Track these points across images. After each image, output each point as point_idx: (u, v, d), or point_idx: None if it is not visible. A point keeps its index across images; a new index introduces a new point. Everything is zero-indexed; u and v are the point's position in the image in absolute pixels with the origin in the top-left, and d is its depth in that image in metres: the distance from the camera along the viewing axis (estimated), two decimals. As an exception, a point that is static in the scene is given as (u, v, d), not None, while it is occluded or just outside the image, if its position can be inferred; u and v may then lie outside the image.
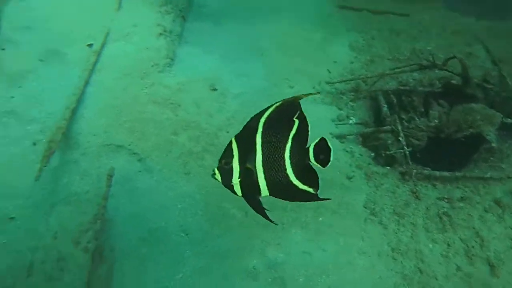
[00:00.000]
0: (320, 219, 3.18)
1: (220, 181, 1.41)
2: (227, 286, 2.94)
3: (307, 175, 1.39)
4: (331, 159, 1.36)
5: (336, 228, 3.16)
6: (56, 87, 3.57)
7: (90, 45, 3.81)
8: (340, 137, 3.70)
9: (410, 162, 3.48)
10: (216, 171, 1.41)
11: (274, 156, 1.35)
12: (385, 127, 3.73)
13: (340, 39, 5.17)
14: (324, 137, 1.36)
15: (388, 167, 3.64)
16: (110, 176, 2.90)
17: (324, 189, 2.87)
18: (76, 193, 3.21)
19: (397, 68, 4.25)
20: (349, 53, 4.99)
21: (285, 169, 1.35)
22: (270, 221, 1.42)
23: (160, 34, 4.07)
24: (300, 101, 1.35)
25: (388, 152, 3.60)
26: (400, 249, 3.10)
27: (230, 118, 3.76)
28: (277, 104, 1.36)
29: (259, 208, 1.43)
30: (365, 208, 3.30)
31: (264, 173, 1.35)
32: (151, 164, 3.36)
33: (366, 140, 3.85)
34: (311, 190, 1.39)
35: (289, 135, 1.35)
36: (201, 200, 3.34)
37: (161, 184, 3.30)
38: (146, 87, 3.67)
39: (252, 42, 4.89)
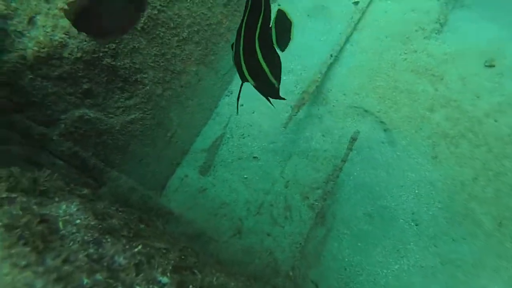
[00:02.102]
0: None
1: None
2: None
3: (272, 59, 1.39)
4: (292, 36, 1.39)
5: None
6: (317, 42, 3.83)
7: (356, 3, 4.03)
8: None
9: None
10: None
11: (249, 39, 1.38)
12: None
13: None
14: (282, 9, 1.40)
15: None
16: (353, 139, 3.03)
17: None
18: (315, 149, 3.54)
19: None
20: None
21: (256, 53, 1.38)
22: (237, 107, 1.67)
23: (433, -6, 3.88)
24: None
25: None
26: None
27: (503, 103, 3.28)
28: None
29: (239, 94, 1.55)
30: None
31: (243, 56, 1.39)
32: (397, 137, 3.27)
33: None
34: (274, 81, 1.39)
35: (259, 17, 1.38)
36: (444, 191, 3.11)
37: (402, 161, 3.22)
38: (407, 53, 3.57)
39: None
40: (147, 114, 3.21)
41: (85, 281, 1.00)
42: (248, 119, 3.72)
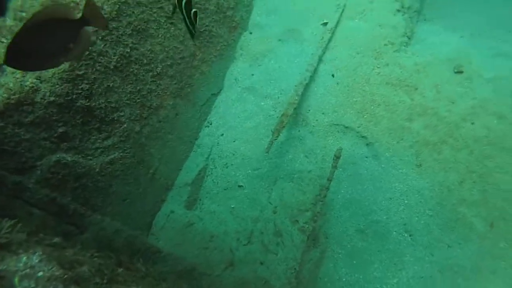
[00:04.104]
0: None
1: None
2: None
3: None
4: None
5: None
6: (290, 65, 3.97)
7: (324, 24, 4.24)
8: None
9: None
10: None
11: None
12: None
13: None
14: None
15: None
16: (337, 157, 3.12)
17: None
18: (299, 170, 3.62)
19: None
20: None
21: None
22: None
23: (398, 10, 4.12)
24: None
25: None
26: None
27: (476, 106, 3.47)
28: None
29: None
30: None
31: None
32: (380, 150, 3.38)
33: None
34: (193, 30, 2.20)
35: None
36: (433, 199, 3.21)
37: (388, 173, 3.32)
38: (379, 67, 3.77)
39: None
40: (127, 153, 3.26)
41: None
42: (230, 148, 3.81)
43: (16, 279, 1.15)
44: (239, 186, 3.71)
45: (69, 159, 2.91)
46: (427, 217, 3.14)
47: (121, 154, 3.22)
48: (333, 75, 3.88)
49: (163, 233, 3.41)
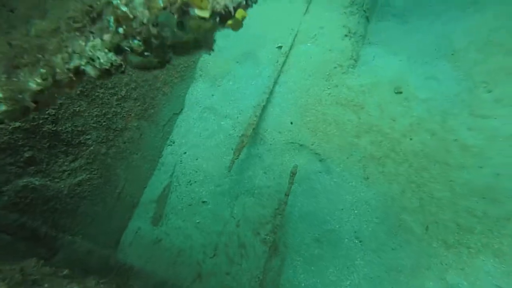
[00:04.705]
0: (524, 249, 3.08)
1: None
2: (401, 303, 3.03)
3: None
4: None
5: (547, 264, 2.87)
6: (248, 86, 4.29)
7: (279, 47, 4.62)
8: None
9: None
10: None
11: None
12: None
13: None
14: None
15: None
16: (293, 173, 3.48)
17: None
18: (259, 186, 3.94)
19: None
20: None
21: None
22: None
23: (345, 35, 4.58)
24: None
25: None
26: None
27: (414, 123, 3.96)
28: None
29: None
30: None
31: None
32: (332, 165, 3.75)
33: None
34: None
35: None
36: (378, 208, 3.65)
37: (339, 187, 3.72)
38: (330, 88, 4.20)
39: (443, 41, 4.95)
40: (94, 174, 3.42)
41: None
42: (193, 165, 4.06)
43: None
44: (203, 202, 3.96)
45: (37, 183, 3.01)
46: (374, 225, 3.53)
47: (88, 175, 3.37)
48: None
49: (132, 250, 3.59)
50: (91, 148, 3.35)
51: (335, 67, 4.34)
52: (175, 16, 0.81)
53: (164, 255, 3.58)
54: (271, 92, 4.10)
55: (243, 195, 3.88)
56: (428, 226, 3.38)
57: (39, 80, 0.94)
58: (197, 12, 0.79)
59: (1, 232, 2.73)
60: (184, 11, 0.81)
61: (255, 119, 3.85)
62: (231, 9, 0.78)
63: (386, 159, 3.74)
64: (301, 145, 3.93)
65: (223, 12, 0.80)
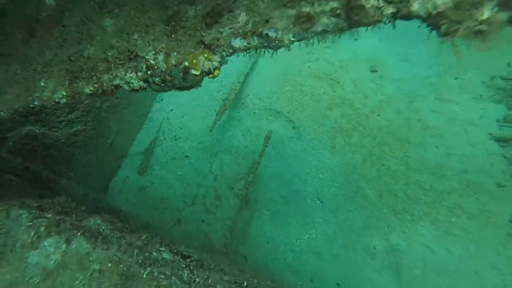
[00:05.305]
0: (454, 219, 3.53)
1: None
2: (345, 256, 3.64)
3: None
4: None
5: (469, 233, 3.47)
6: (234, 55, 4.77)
7: (267, 17, 4.88)
8: (501, 140, 3.95)
9: None
10: None
11: None
12: None
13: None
14: None
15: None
16: (268, 137, 3.95)
17: (467, 191, 3.37)
18: (237, 146, 4.40)
19: None
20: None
21: None
22: None
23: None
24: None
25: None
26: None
27: (383, 101, 4.37)
28: None
29: None
30: (511, 222, 3.49)
31: None
32: (303, 133, 4.19)
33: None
34: None
35: None
36: (341, 174, 4.15)
37: (308, 153, 4.21)
38: (310, 61, 4.60)
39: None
40: (88, 125, 3.82)
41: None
42: (178, 122, 4.48)
43: None
44: (186, 156, 4.40)
45: (37, 131, 3.40)
46: (335, 189, 4.04)
47: (83, 126, 3.76)
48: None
49: (120, 196, 4.09)
50: (87, 101, 3.71)
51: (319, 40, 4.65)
52: (181, 74, 1.37)
53: (148, 201, 4.08)
54: (255, 62, 4.45)
55: (222, 153, 4.32)
56: (381, 194, 3.88)
57: (91, 88, 1.49)
58: (193, 71, 1.34)
59: (9, 173, 3.09)
60: (186, 71, 1.36)
61: (238, 85, 4.23)
62: (212, 69, 1.34)
63: (353, 131, 4.19)
64: (278, 112, 4.35)
65: (207, 71, 1.35)
